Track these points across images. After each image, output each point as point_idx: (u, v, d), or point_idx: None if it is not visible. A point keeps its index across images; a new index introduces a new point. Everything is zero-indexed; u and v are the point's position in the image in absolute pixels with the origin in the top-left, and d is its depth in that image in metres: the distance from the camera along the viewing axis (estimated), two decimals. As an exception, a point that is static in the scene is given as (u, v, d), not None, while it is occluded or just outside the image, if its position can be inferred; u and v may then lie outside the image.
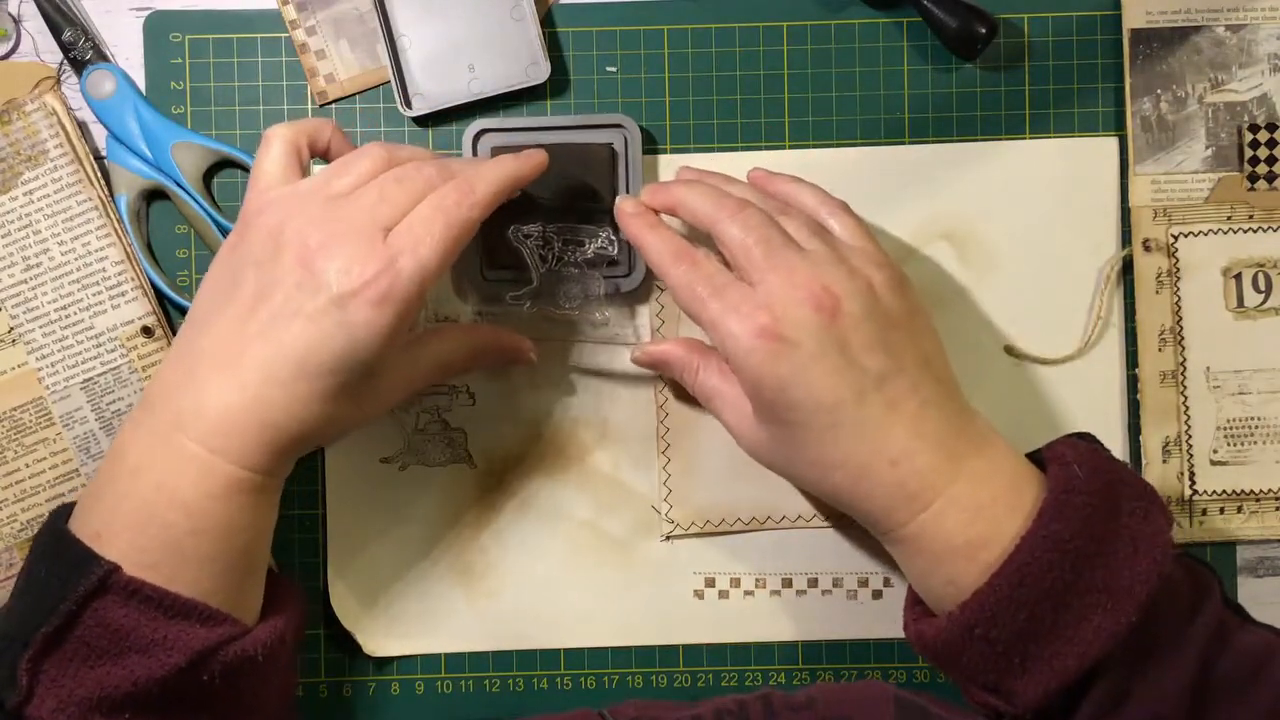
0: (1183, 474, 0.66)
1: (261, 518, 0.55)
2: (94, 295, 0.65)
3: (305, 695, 0.67)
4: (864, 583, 0.67)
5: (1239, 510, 0.66)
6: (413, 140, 0.66)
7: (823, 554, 0.66)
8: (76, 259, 0.64)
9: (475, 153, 0.64)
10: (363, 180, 0.55)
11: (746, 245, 0.56)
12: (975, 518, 0.54)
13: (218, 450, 0.52)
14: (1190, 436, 0.66)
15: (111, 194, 0.65)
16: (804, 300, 0.54)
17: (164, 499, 0.52)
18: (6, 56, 0.66)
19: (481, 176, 0.56)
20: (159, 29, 0.66)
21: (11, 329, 0.64)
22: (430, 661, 0.67)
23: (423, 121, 0.66)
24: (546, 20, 0.66)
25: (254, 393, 0.52)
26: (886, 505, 0.55)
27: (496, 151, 0.64)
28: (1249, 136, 0.66)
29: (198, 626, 0.52)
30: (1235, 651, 0.53)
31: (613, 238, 0.63)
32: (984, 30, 0.64)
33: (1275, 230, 0.66)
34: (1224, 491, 0.66)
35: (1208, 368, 0.66)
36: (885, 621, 0.66)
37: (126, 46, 0.66)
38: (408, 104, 0.65)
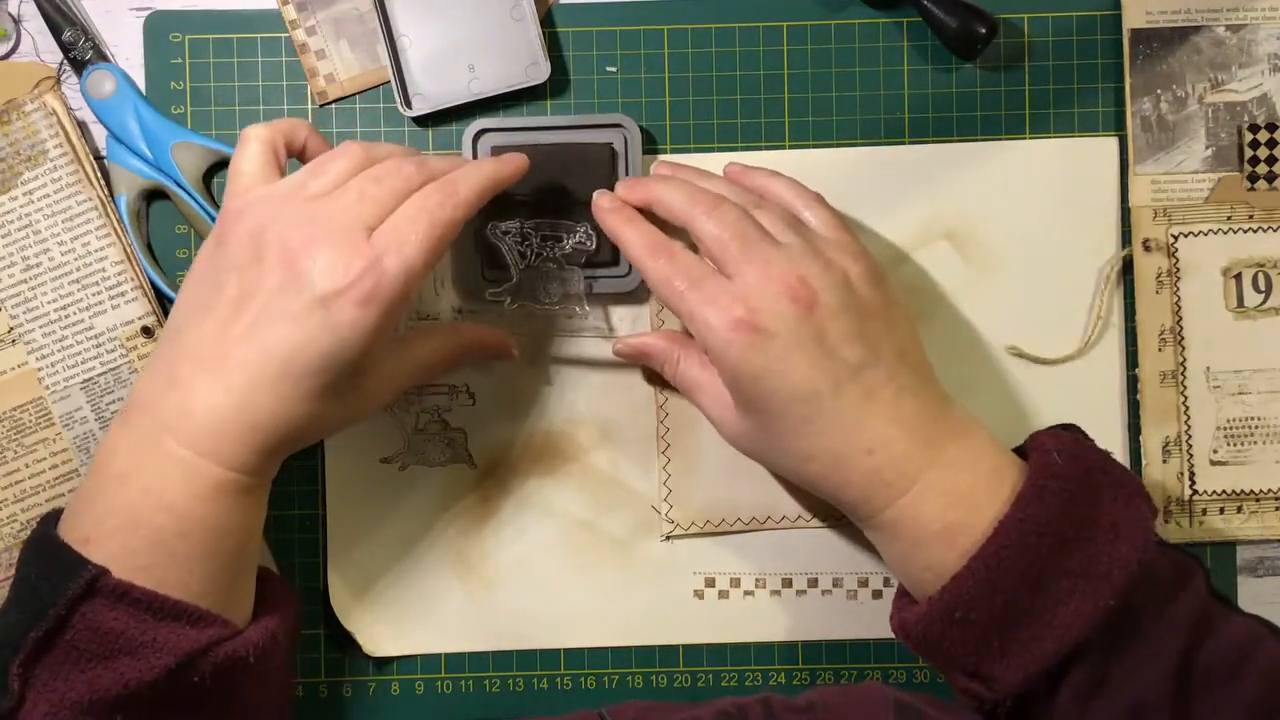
0: (1183, 474, 0.66)
1: (250, 518, 0.55)
2: (94, 295, 0.65)
3: (305, 695, 0.67)
4: (864, 583, 0.67)
5: (1239, 510, 0.66)
6: (413, 140, 0.66)
7: (823, 554, 0.66)
8: (76, 259, 0.65)
9: (475, 153, 0.64)
10: (341, 180, 0.55)
11: (722, 240, 0.56)
12: (953, 504, 0.54)
13: (205, 453, 0.52)
14: (1190, 436, 0.66)
15: (111, 194, 0.65)
16: (780, 292, 0.54)
17: (152, 502, 0.52)
18: (6, 56, 0.66)
19: (464, 177, 0.57)
20: (159, 29, 0.66)
21: (11, 329, 0.64)
22: (430, 661, 0.67)
23: (423, 121, 0.66)
24: (546, 20, 0.66)
25: (239, 395, 0.52)
26: (864, 493, 0.55)
27: (496, 151, 0.64)
28: (1249, 136, 0.66)
29: (187, 628, 0.52)
30: (1219, 640, 0.53)
31: (590, 232, 0.63)
32: (984, 30, 0.64)
33: (1275, 230, 0.66)
34: (1224, 491, 0.66)
35: (1208, 368, 0.66)
36: (885, 621, 0.65)
37: (126, 46, 0.66)
38: (408, 104, 0.65)
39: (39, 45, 0.66)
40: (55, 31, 0.65)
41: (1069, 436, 0.57)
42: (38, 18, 0.65)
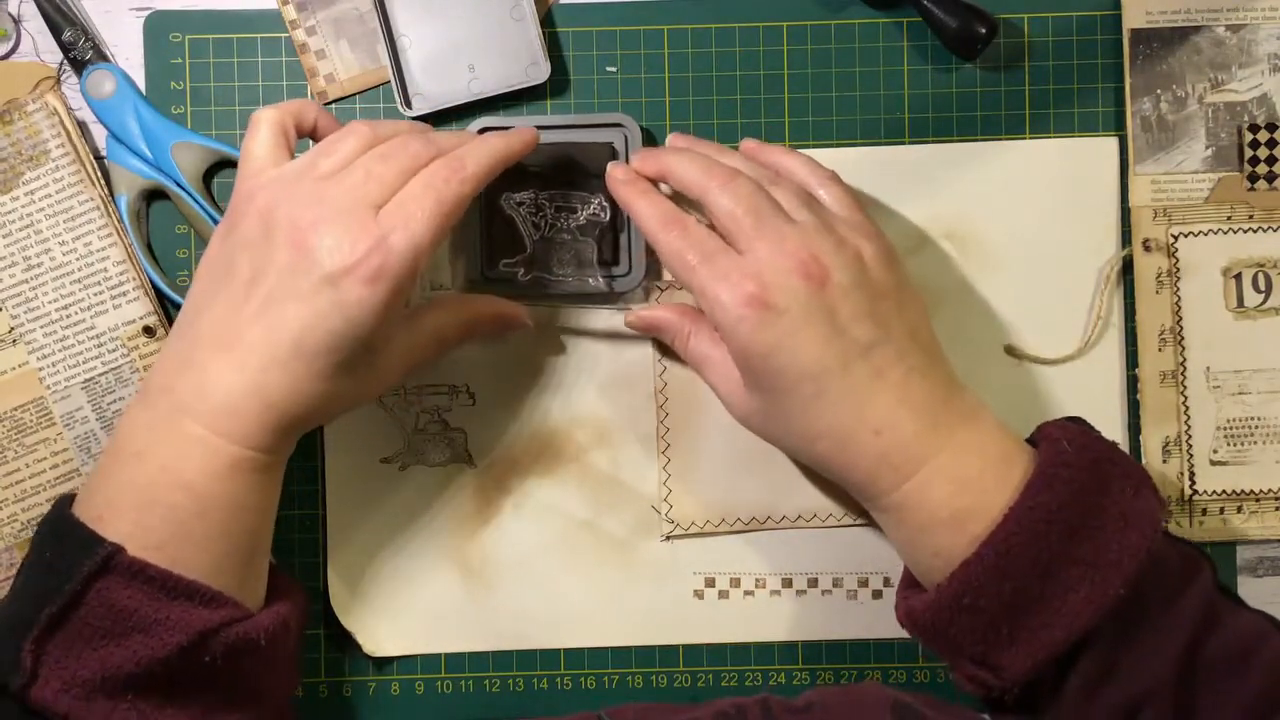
0: (1183, 474, 0.66)
1: (265, 498, 0.56)
2: (95, 295, 0.65)
3: (305, 695, 0.67)
4: (864, 583, 0.67)
5: (1239, 510, 0.66)
6: (413, 140, 0.66)
7: (822, 554, 0.66)
8: (78, 258, 0.64)
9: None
10: (349, 159, 0.56)
11: (736, 215, 0.56)
12: (962, 490, 0.54)
13: (221, 432, 0.53)
14: (1190, 436, 0.66)
15: (112, 194, 0.65)
16: (793, 269, 0.54)
17: (168, 480, 0.53)
18: (6, 56, 0.66)
19: (472, 153, 0.57)
20: (159, 29, 0.66)
21: (12, 329, 0.64)
22: (430, 661, 0.67)
23: (423, 121, 0.66)
24: (546, 20, 0.66)
25: (254, 375, 0.53)
26: (871, 474, 0.55)
27: (497, 151, 0.64)
28: (1249, 136, 0.66)
29: (200, 608, 0.52)
30: (1225, 633, 0.53)
31: (604, 204, 0.63)
32: (984, 30, 0.64)
33: (1275, 230, 0.66)
34: (1224, 491, 0.66)
35: (1208, 368, 0.66)
36: (885, 621, 0.66)
37: (126, 46, 0.66)
38: (408, 104, 0.65)
39: (39, 45, 0.66)
40: (55, 31, 0.65)
41: (1077, 428, 0.57)
42: (38, 18, 0.65)
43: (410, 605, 0.66)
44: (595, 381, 0.66)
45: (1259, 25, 0.66)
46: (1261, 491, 0.66)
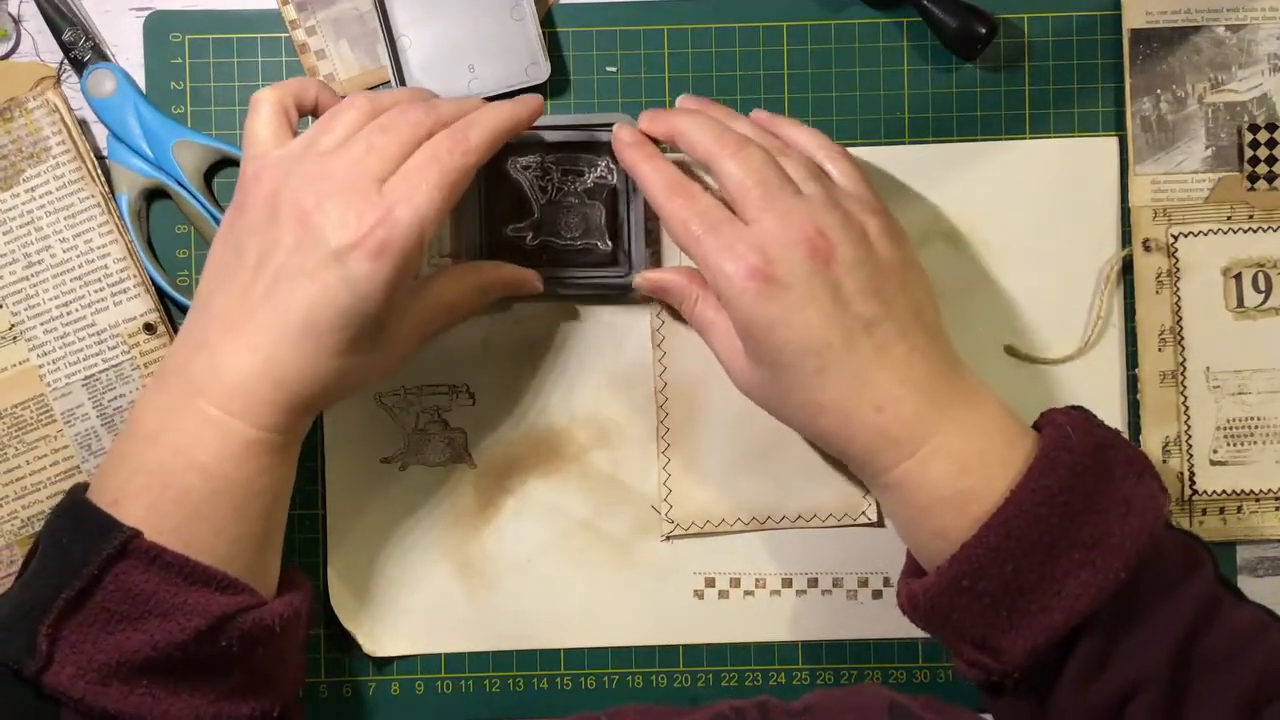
0: (1183, 474, 0.66)
1: (279, 480, 0.56)
2: (96, 292, 0.65)
3: (305, 695, 0.66)
4: (864, 583, 0.66)
5: (1239, 510, 0.66)
6: (413, 140, 0.66)
7: (823, 554, 0.66)
8: (78, 256, 0.64)
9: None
10: (350, 132, 0.56)
11: (745, 185, 0.56)
12: (964, 470, 0.54)
13: (235, 413, 0.53)
14: (1190, 436, 0.66)
15: (113, 193, 0.65)
16: (798, 243, 0.54)
17: (183, 462, 0.53)
18: (6, 56, 0.66)
19: (475, 123, 0.57)
20: (159, 29, 0.66)
21: (13, 326, 0.64)
22: (430, 661, 0.67)
23: (423, 121, 0.66)
24: (546, 20, 0.66)
25: (265, 354, 0.53)
26: (871, 450, 0.55)
27: (497, 150, 0.64)
28: (1249, 136, 0.66)
29: (216, 594, 0.52)
30: (1224, 625, 0.53)
31: (611, 166, 0.63)
32: (984, 30, 0.64)
33: (1275, 230, 0.66)
34: (1224, 491, 0.66)
35: (1208, 368, 0.66)
36: (885, 621, 0.66)
37: (126, 46, 0.66)
38: (408, 103, 0.65)
39: (39, 45, 0.66)
40: (55, 31, 0.65)
41: (1080, 415, 0.57)
42: (38, 18, 0.65)
43: (410, 605, 0.66)
44: (595, 381, 0.66)
45: (1259, 25, 0.66)
46: (1261, 491, 0.66)
